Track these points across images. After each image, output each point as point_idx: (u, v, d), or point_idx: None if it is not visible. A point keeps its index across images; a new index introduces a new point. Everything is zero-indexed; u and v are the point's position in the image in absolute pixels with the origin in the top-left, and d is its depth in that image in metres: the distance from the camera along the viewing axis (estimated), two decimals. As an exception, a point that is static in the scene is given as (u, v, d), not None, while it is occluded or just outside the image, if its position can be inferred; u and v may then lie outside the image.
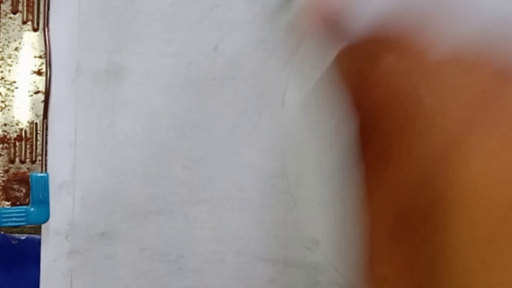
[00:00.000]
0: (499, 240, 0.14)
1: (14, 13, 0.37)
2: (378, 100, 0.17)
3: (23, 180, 0.37)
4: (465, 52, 0.15)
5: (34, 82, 0.37)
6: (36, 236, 0.38)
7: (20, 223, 0.37)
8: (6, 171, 0.37)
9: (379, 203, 0.17)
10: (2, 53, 0.37)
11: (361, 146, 0.18)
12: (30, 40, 0.37)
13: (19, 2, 0.37)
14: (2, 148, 0.37)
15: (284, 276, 0.39)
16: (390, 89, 0.17)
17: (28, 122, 0.37)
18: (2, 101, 0.37)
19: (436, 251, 0.15)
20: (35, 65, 0.37)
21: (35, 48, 0.37)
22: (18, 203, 0.37)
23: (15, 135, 0.37)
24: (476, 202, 0.14)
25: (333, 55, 0.18)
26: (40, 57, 0.37)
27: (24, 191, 0.37)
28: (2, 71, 0.37)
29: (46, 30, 0.37)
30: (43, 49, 0.37)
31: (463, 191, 0.14)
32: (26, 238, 0.38)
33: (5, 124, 0.37)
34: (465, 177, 0.14)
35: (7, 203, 0.37)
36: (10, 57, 0.37)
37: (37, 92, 0.37)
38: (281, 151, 0.39)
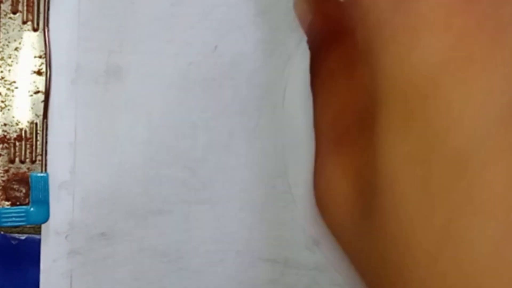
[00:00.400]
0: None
1: (14, 13, 0.37)
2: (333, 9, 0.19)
3: (23, 180, 0.37)
4: None
5: (34, 82, 0.37)
6: (36, 236, 0.38)
7: (20, 223, 0.37)
8: (6, 171, 0.37)
9: (326, 121, 0.18)
10: (2, 53, 0.37)
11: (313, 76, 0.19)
12: (30, 40, 0.37)
13: (19, 2, 0.37)
14: (2, 148, 0.37)
15: (285, 276, 0.39)
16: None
17: (28, 122, 0.37)
18: (2, 101, 0.37)
19: (372, 151, 0.16)
20: (35, 65, 0.37)
21: (35, 48, 0.37)
22: (18, 203, 0.37)
23: (15, 135, 0.37)
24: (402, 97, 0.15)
25: None
26: (40, 57, 0.37)
27: (24, 191, 0.37)
28: (2, 71, 0.37)
29: (46, 30, 0.37)
30: (43, 49, 0.37)
31: (391, 88, 0.15)
32: (26, 238, 0.38)
33: (5, 124, 0.37)
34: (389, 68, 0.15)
35: (7, 203, 0.37)
36: (10, 57, 0.37)
37: (37, 92, 0.37)
38: (282, 151, 0.39)
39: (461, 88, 0.14)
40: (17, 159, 0.37)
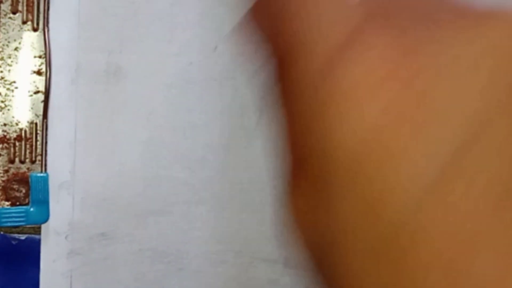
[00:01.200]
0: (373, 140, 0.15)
1: (14, 13, 0.37)
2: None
3: (23, 180, 0.37)
4: None
5: (34, 82, 0.37)
6: (36, 236, 0.38)
7: (20, 223, 0.37)
8: (6, 171, 0.37)
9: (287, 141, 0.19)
10: (2, 53, 0.37)
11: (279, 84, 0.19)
12: (30, 40, 0.37)
13: (19, 2, 0.37)
14: (2, 148, 0.37)
15: (285, 277, 0.39)
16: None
17: (28, 122, 0.37)
18: (2, 101, 0.37)
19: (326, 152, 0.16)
20: (35, 65, 0.37)
21: (35, 48, 0.37)
22: (18, 203, 0.37)
23: (15, 135, 0.37)
24: (351, 109, 0.15)
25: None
26: (40, 57, 0.37)
27: (24, 191, 0.37)
28: (2, 71, 0.37)
29: (46, 30, 0.37)
30: (43, 49, 0.37)
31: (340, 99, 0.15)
32: (26, 238, 0.38)
33: (5, 124, 0.37)
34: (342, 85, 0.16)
35: (7, 203, 0.37)
36: (10, 57, 0.37)
37: (37, 92, 0.37)
38: (281, 151, 0.39)
39: (390, 159, 0.14)
40: (17, 159, 0.37)
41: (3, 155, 0.37)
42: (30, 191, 0.37)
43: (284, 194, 0.18)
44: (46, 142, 0.37)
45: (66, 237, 0.38)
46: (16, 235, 0.38)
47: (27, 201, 0.37)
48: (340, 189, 0.15)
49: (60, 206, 0.38)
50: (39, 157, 0.37)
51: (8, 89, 0.37)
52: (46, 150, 0.37)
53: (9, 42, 0.37)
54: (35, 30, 0.37)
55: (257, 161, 0.39)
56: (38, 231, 0.38)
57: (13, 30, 0.37)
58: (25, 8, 0.37)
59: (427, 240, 0.14)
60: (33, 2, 0.37)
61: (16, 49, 0.37)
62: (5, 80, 0.37)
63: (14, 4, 0.37)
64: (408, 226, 0.14)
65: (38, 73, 0.37)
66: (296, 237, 0.18)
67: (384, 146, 0.15)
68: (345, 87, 0.15)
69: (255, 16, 0.21)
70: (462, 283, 0.13)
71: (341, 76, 0.15)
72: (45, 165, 0.37)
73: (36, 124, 0.37)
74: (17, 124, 0.37)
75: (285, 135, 0.19)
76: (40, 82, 0.37)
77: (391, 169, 0.14)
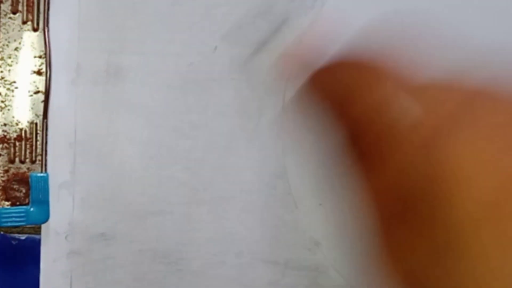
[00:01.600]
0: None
1: (14, 13, 0.37)
2: (359, 115, 0.20)
3: (23, 180, 0.37)
4: (440, 78, 0.18)
5: (34, 82, 0.37)
6: (36, 236, 0.38)
7: (20, 223, 0.37)
8: (6, 171, 0.37)
9: (382, 195, 0.19)
10: (2, 53, 0.37)
11: (353, 151, 0.20)
12: (30, 40, 0.37)
13: (19, 2, 0.37)
14: (2, 148, 0.37)
15: (285, 278, 0.39)
16: (369, 105, 0.20)
17: (28, 122, 0.37)
18: (2, 101, 0.37)
19: (442, 227, 0.17)
20: (35, 65, 0.37)
21: (35, 48, 0.37)
22: (18, 203, 0.37)
23: (15, 135, 0.37)
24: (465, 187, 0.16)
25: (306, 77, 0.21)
26: (40, 57, 0.37)
27: (24, 191, 0.37)
28: (2, 71, 0.37)
29: (46, 30, 0.37)
30: (43, 49, 0.37)
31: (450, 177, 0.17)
32: (26, 238, 0.38)
33: (5, 124, 0.37)
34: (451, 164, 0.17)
35: (7, 203, 0.37)
36: (10, 57, 0.37)
37: (37, 92, 0.37)
38: (282, 152, 0.39)
39: (496, 241, 0.16)
40: (17, 159, 0.37)
41: (3, 155, 0.37)
42: (30, 191, 0.37)
43: (373, 247, 0.18)
44: (46, 142, 0.37)
45: (66, 237, 0.38)
46: (16, 235, 0.38)
47: (27, 201, 0.37)
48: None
49: (60, 206, 0.38)
50: (39, 157, 0.37)
51: (8, 89, 0.37)
52: (46, 150, 0.37)
53: (9, 42, 0.37)
54: (35, 30, 0.37)
55: (258, 161, 0.38)
56: (38, 231, 0.38)
57: (13, 30, 0.37)
58: (25, 8, 0.37)
59: None
60: (33, 2, 0.37)
61: (16, 49, 0.37)
62: (5, 80, 0.37)
63: (14, 4, 0.37)
64: None
65: (38, 73, 0.37)
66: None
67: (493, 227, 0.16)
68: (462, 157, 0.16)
69: (316, 85, 0.22)
70: None
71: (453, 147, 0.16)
72: (45, 165, 0.37)
73: (36, 124, 0.37)
74: (17, 124, 0.37)
75: (368, 193, 0.19)
76: (40, 82, 0.37)
77: (499, 252, 0.15)
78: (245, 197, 0.39)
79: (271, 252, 0.39)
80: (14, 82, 0.37)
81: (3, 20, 0.37)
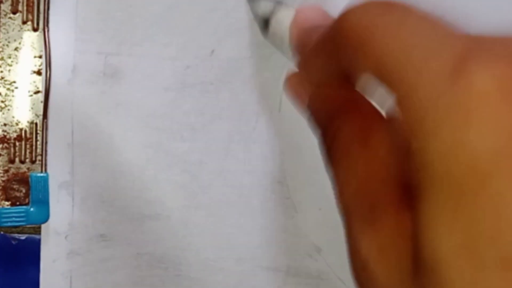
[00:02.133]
0: None
1: (14, 13, 0.37)
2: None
3: (23, 180, 0.37)
4: None
5: (34, 82, 0.37)
6: (36, 236, 0.38)
7: (20, 223, 0.37)
8: (6, 171, 0.37)
9: (349, 194, 0.19)
10: (2, 53, 0.37)
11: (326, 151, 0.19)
12: (30, 40, 0.37)
13: (19, 2, 0.37)
14: (2, 148, 0.37)
15: (287, 285, 0.38)
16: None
17: (28, 122, 0.37)
18: (2, 101, 0.37)
19: (414, 232, 0.16)
20: (35, 65, 0.37)
21: (35, 48, 0.37)
22: (18, 203, 0.37)
23: (15, 135, 0.37)
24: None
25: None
26: (40, 57, 0.37)
27: (24, 191, 0.37)
28: (2, 71, 0.37)
29: (46, 30, 0.37)
30: (43, 49, 0.37)
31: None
32: (26, 238, 0.39)
33: (5, 124, 0.37)
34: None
35: (6, 203, 0.37)
36: (10, 57, 0.37)
37: (37, 92, 0.37)
38: (280, 156, 0.38)
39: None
40: (17, 159, 0.37)
41: (3, 155, 0.37)
42: (30, 191, 0.37)
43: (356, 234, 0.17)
44: (46, 142, 0.37)
45: (66, 237, 0.38)
46: (16, 235, 0.39)
47: (27, 201, 0.37)
48: (445, 221, 0.14)
49: (60, 206, 0.38)
50: (39, 157, 0.37)
51: (8, 89, 0.37)
52: (46, 150, 0.37)
53: (9, 42, 0.37)
54: (35, 30, 0.37)
55: (256, 165, 0.38)
56: (38, 231, 0.38)
57: (13, 30, 0.37)
58: (25, 8, 0.37)
59: None
60: (33, 2, 0.37)
61: (16, 49, 0.37)
62: (5, 80, 0.37)
63: (14, 4, 0.37)
64: None
65: (38, 73, 0.37)
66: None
67: (507, 175, 0.14)
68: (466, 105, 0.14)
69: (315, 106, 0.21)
70: None
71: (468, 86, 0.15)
72: (45, 165, 0.37)
73: (36, 124, 0.37)
74: (17, 124, 0.37)
75: (356, 182, 0.18)
76: (40, 82, 0.37)
77: None
78: (244, 202, 0.38)
79: (272, 258, 0.38)
80: (14, 82, 0.37)
81: (3, 20, 0.37)
